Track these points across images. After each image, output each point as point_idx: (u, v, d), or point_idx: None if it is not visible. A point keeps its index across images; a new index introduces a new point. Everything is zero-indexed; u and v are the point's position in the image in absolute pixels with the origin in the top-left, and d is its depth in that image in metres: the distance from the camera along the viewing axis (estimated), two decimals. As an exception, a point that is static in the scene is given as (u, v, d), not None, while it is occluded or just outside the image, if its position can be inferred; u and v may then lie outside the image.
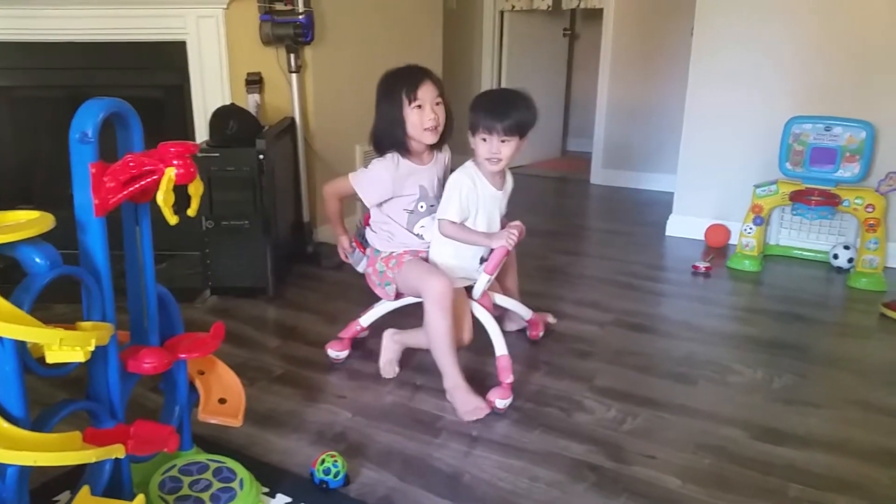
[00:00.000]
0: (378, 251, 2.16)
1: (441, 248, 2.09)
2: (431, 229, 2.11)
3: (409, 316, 2.17)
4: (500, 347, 2.03)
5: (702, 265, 3.11)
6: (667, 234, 3.67)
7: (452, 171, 2.11)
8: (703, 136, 3.49)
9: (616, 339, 2.42)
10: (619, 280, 3.00)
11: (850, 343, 2.47)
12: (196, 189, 1.33)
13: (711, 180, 3.52)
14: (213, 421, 1.56)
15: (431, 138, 2.04)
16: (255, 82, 3.05)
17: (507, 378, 1.97)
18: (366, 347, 2.33)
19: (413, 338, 2.16)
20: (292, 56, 3.00)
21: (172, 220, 1.26)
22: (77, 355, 1.18)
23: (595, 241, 3.82)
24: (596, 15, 4.81)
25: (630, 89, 4.65)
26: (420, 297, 2.02)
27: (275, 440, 1.80)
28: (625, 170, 4.83)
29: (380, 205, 2.13)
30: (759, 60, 3.29)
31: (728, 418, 1.93)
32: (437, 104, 2.02)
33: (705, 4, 3.37)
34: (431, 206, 2.12)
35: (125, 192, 1.27)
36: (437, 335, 1.96)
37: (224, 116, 2.71)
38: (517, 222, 2.06)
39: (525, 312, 2.34)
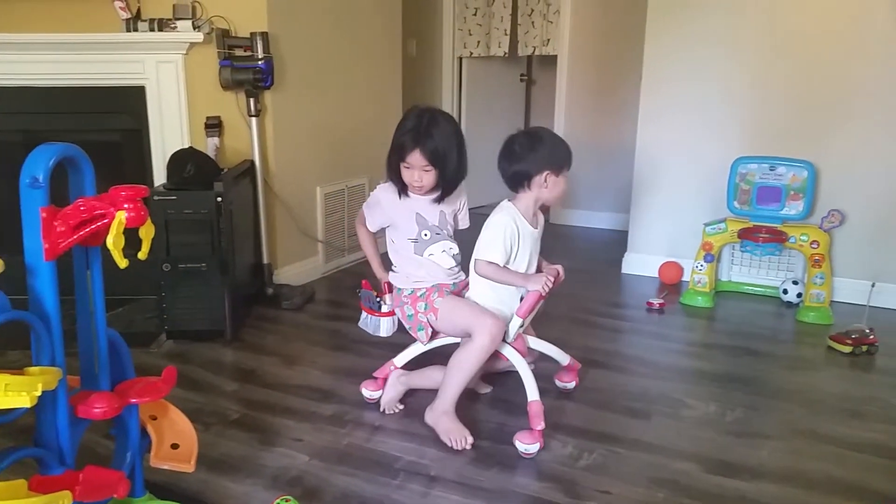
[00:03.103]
0: (400, 290, 2.17)
1: (483, 292, 2.08)
2: (441, 258, 2.13)
3: (439, 356, 2.17)
4: (532, 393, 2.00)
5: (656, 302, 3.18)
6: (623, 271, 3.74)
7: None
8: (653, 176, 3.59)
9: (573, 376, 2.45)
10: (577, 317, 3.05)
11: (798, 375, 2.54)
12: (147, 232, 1.33)
13: (663, 219, 3.62)
14: (165, 466, 1.54)
15: (417, 192, 2.09)
16: (214, 126, 3.07)
17: (539, 425, 1.95)
18: (322, 390, 2.33)
19: (420, 380, 2.16)
20: (252, 100, 3.03)
21: (122, 263, 1.26)
22: (23, 400, 1.16)
23: (554, 280, 3.87)
24: (551, 61, 4.96)
25: (584, 131, 4.78)
26: (466, 334, 2.01)
27: (229, 485, 1.78)
28: (582, 209, 4.94)
29: (388, 237, 2.19)
30: (706, 104, 3.42)
31: (681, 452, 1.97)
32: (426, 170, 2.03)
33: (652, 52, 3.50)
34: (437, 234, 2.13)
35: (75, 236, 1.27)
36: (468, 369, 1.99)
37: (181, 159, 2.72)
38: (557, 266, 2.08)
39: (562, 358, 2.30)
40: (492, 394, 2.32)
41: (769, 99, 3.29)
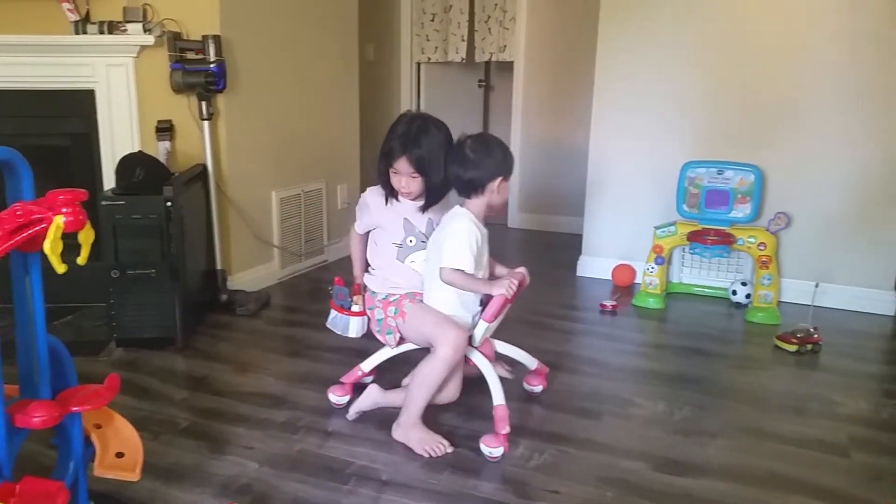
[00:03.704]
0: (374, 292, 2.15)
1: (445, 297, 2.05)
2: (422, 267, 2.12)
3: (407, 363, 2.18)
4: (497, 397, 2.00)
5: (609, 304, 3.22)
6: (577, 274, 3.79)
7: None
8: (606, 180, 3.65)
9: (527, 378, 2.48)
10: (531, 320, 3.07)
11: (746, 374, 2.60)
12: (86, 237, 1.31)
13: (616, 222, 3.67)
14: (109, 476, 1.52)
15: (405, 198, 2.10)
16: (165, 130, 3.03)
17: (504, 429, 1.96)
18: (275, 397, 2.31)
19: (393, 400, 2.14)
20: (204, 104, 3.00)
21: (60, 268, 1.24)
22: (-46, 411, 1.14)
23: (511, 284, 3.90)
24: (509, 67, 5.00)
25: (541, 136, 4.84)
26: (429, 344, 2.01)
27: (177, 494, 1.76)
28: (539, 213, 4.99)
29: (371, 237, 2.19)
30: (656, 109, 3.49)
31: (630, 451, 2.00)
32: (413, 177, 2.03)
33: (604, 60, 3.56)
34: (422, 241, 2.12)
35: (12, 241, 1.24)
36: (432, 380, 1.98)
37: (130, 164, 2.68)
38: (521, 269, 2.10)
39: (530, 362, 2.33)
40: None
41: (717, 104, 3.37)
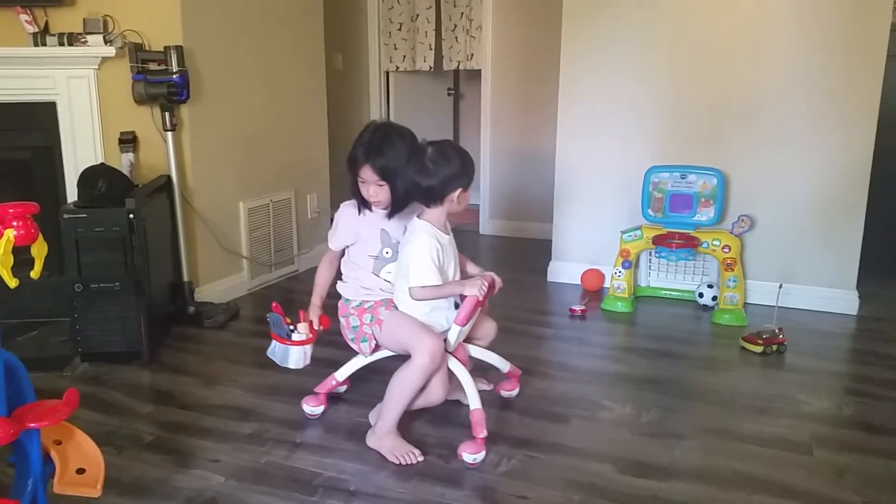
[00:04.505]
0: (348, 300, 2.14)
1: (416, 304, 2.03)
2: (397, 281, 2.09)
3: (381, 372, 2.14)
4: (474, 401, 2.01)
5: (578, 308, 3.25)
6: (548, 279, 3.81)
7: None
8: (573, 186, 3.68)
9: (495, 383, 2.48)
10: (502, 325, 2.98)
11: (712, 376, 2.63)
12: (39, 250, 1.29)
13: (584, 227, 3.70)
14: (70, 493, 1.50)
15: (376, 208, 2.08)
16: (128, 141, 3.00)
17: (481, 433, 1.96)
18: (242, 409, 2.29)
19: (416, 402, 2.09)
20: (167, 114, 2.97)
21: (12, 283, 1.22)
22: None
23: (482, 290, 3.91)
24: (477, 75, 5.03)
25: (510, 143, 4.87)
26: (405, 352, 2.00)
27: (141, 510, 1.73)
28: (510, 219, 5.01)
29: (345, 252, 2.15)
30: (620, 115, 3.53)
31: (597, 454, 2.01)
32: (380, 185, 2.01)
33: (569, 67, 3.59)
34: (398, 252, 2.10)
35: (-38, 257, 1.23)
36: (408, 389, 1.96)
37: (92, 176, 2.65)
38: (489, 273, 2.09)
39: (503, 365, 2.32)
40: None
41: (679, 110, 3.42)
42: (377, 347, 2.12)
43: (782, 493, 1.84)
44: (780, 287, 3.01)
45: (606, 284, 3.55)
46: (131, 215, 2.53)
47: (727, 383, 2.56)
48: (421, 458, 1.96)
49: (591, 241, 3.68)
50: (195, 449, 2.03)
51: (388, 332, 2.05)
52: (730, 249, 3.18)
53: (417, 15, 5.03)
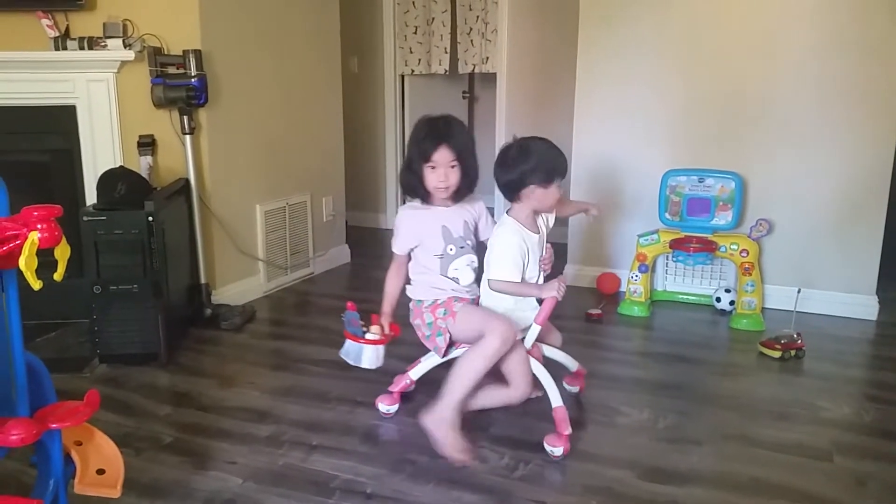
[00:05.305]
0: (420, 301, 2.16)
1: (499, 301, 2.09)
2: (465, 273, 2.14)
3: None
4: (555, 399, 2.05)
5: (594, 312, 3.23)
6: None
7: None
8: (589, 189, 3.66)
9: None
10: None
11: (730, 381, 2.61)
12: (62, 253, 1.30)
13: (600, 231, 3.69)
14: (90, 493, 1.51)
15: (442, 195, 2.10)
16: (147, 144, 3.02)
17: (566, 430, 2.00)
18: (260, 411, 2.30)
19: (483, 400, 2.12)
20: (185, 118, 3.00)
21: (36, 284, 1.23)
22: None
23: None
24: (492, 78, 5.02)
25: (526, 147, 4.86)
26: (477, 340, 2.00)
27: (159, 511, 1.74)
28: (525, 224, 4.99)
29: (410, 254, 2.18)
30: (637, 118, 3.51)
31: (615, 459, 2.00)
32: (452, 167, 2.05)
33: (584, 71, 3.59)
34: (461, 247, 2.14)
35: (-13, 258, 1.24)
36: (475, 371, 1.97)
37: (111, 179, 2.67)
38: (561, 276, 2.10)
39: (572, 365, 2.36)
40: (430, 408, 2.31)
41: (696, 113, 3.40)
42: (450, 345, 2.13)
43: (802, 500, 1.82)
44: (799, 292, 2.99)
45: (623, 288, 3.53)
46: (150, 218, 2.55)
47: (745, 389, 2.54)
48: (467, 461, 1.94)
49: (606, 245, 3.67)
50: (213, 451, 2.04)
51: (462, 321, 2.08)
52: (748, 254, 3.16)
53: (433, 18, 5.03)
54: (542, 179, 2.04)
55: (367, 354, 2.14)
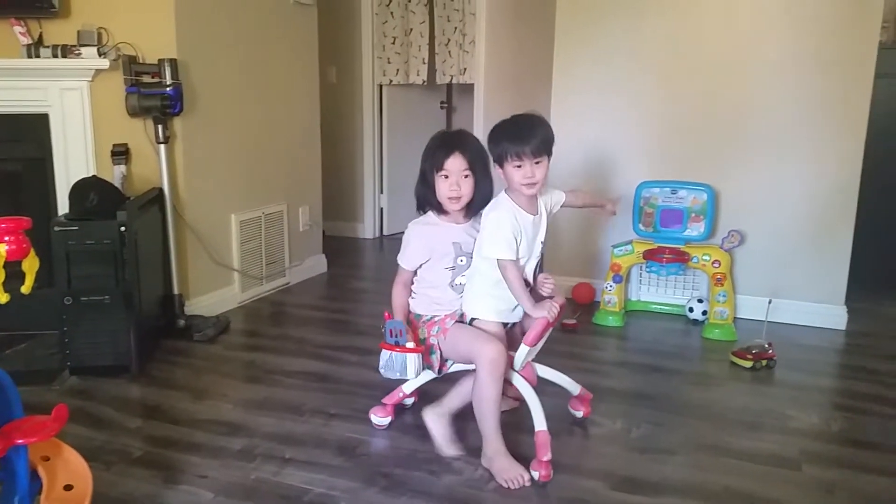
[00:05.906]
0: (419, 315, 2.15)
1: (483, 278, 2.06)
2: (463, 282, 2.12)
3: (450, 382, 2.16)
4: (539, 422, 1.99)
5: (569, 322, 3.25)
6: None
7: None
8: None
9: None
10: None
11: (703, 391, 2.64)
12: (30, 265, 1.29)
13: (576, 241, 3.72)
14: (57, 510, 1.48)
15: (454, 206, 2.07)
16: (121, 153, 3.00)
17: (545, 455, 1.93)
18: (232, 424, 2.28)
19: (454, 401, 2.12)
20: (160, 127, 2.98)
21: (3, 298, 1.21)
22: None
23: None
24: (469, 89, 5.06)
25: (503, 157, 4.89)
26: (468, 362, 2.02)
27: (129, 526, 1.72)
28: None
29: (418, 269, 2.16)
30: (612, 130, 3.55)
31: (588, 470, 2.01)
32: (465, 176, 2.03)
33: (560, 82, 3.62)
34: (472, 258, 2.12)
35: (-48, 272, 1.22)
36: (485, 401, 1.96)
37: (83, 189, 2.64)
38: (559, 298, 2.05)
39: (573, 388, 2.31)
40: (405, 420, 2.31)
41: (671, 125, 3.45)
42: (444, 363, 2.12)
43: (771, 509, 1.84)
44: (770, 302, 3.03)
45: (598, 298, 3.56)
46: (122, 228, 2.53)
47: (717, 398, 2.57)
48: (527, 482, 1.92)
49: (582, 255, 3.70)
50: (184, 464, 2.02)
51: (451, 341, 2.07)
52: (720, 264, 3.20)
53: (411, 29, 5.06)
54: (495, 160, 2.03)
55: (412, 363, 2.06)
